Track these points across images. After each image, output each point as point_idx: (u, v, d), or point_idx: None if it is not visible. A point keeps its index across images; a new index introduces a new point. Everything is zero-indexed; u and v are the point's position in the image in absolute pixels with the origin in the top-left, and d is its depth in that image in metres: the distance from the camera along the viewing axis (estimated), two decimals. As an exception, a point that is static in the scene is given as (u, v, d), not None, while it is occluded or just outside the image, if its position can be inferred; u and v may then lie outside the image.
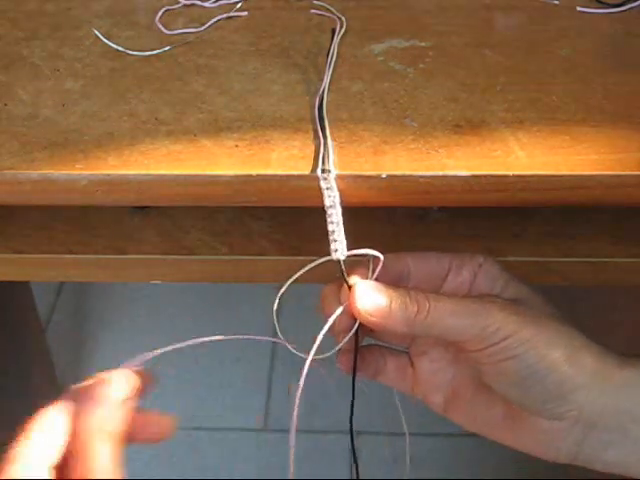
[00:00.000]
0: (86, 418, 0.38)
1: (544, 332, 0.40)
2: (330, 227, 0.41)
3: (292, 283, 0.43)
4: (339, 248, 0.41)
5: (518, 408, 0.43)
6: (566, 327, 0.42)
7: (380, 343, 0.47)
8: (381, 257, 0.41)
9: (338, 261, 0.41)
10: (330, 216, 0.41)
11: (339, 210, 0.41)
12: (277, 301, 0.43)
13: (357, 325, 0.42)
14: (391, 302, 0.40)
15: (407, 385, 0.47)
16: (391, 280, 0.43)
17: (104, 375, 0.39)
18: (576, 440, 0.42)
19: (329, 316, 0.42)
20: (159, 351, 0.41)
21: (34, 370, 1.18)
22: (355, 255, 0.41)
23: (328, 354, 0.43)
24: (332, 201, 0.41)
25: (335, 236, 0.41)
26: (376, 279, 0.42)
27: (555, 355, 0.40)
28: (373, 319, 0.40)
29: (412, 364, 0.47)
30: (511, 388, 0.42)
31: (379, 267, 0.42)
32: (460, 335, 0.41)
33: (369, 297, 0.41)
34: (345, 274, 0.42)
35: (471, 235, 0.51)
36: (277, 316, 0.44)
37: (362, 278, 0.42)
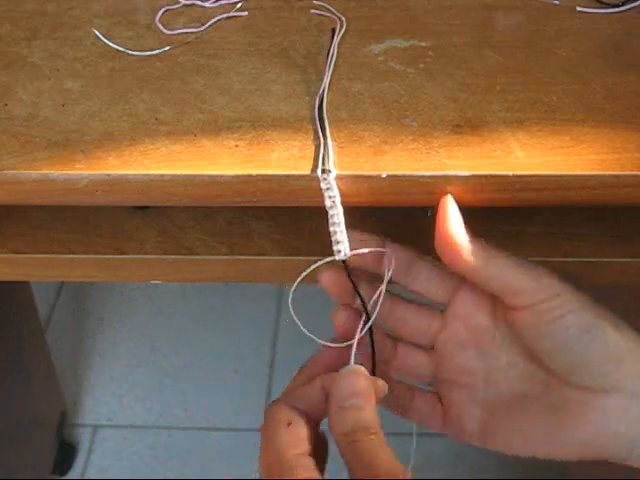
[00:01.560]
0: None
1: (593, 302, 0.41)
2: (332, 228, 0.41)
3: (291, 284, 0.43)
4: (342, 249, 0.41)
5: (565, 384, 0.41)
6: None
7: (406, 381, 0.47)
8: (385, 251, 0.42)
9: (343, 262, 0.41)
10: (332, 217, 0.41)
11: (340, 210, 0.41)
12: (291, 295, 0.42)
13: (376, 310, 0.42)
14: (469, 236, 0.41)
15: (438, 421, 0.46)
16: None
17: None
18: (636, 416, 0.40)
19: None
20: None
21: (34, 370, 1.18)
22: (359, 254, 0.41)
23: (342, 345, 0.43)
24: (332, 201, 0.41)
25: (337, 237, 0.41)
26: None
27: (606, 319, 0.40)
28: (456, 247, 0.41)
29: (440, 400, 0.46)
30: (561, 354, 0.41)
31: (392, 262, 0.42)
32: (519, 284, 0.41)
33: (458, 221, 0.41)
34: (350, 274, 0.42)
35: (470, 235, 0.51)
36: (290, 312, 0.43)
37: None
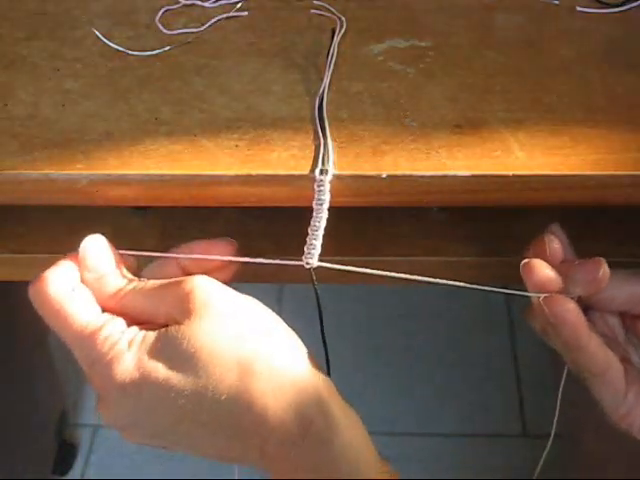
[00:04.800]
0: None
1: None
2: (310, 230, 0.41)
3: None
4: (313, 254, 0.41)
5: None
6: None
7: None
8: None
9: (309, 270, 0.41)
10: (314, 219, 0.41)
11: (324, 216, 0.41)
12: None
13: None
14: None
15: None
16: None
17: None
18: None
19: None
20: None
21: (35, 370, 1.18)
22: (327, 267, 0.41)
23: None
24: (320, 205, 0.40)
25: (313, 241, 0.40)
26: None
27: None
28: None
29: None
30: None
31: None
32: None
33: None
34: (315, 284, 0.41)
35: (471, 235, 0.51)
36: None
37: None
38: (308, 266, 0.40)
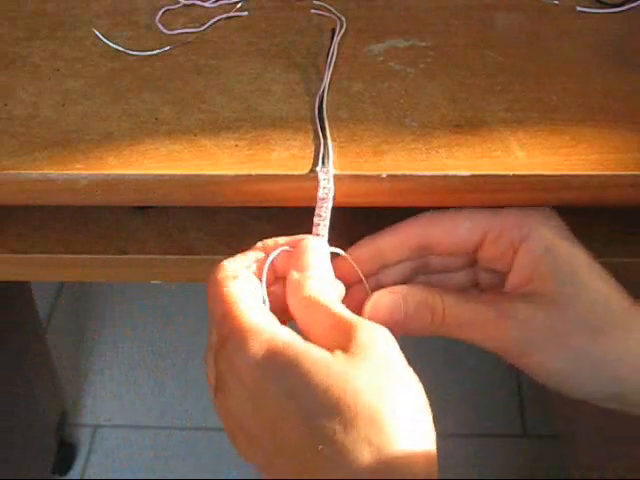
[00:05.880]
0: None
1: (574, 349, 0.39)
2: (316, 220, 0.40)
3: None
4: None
5: None
6: (613, 320, 0.40)
7: None
8: (342, 253, 0.41)
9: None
10: (319, 208, 0.40)
11: (330, 205, 0.40)
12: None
13: None
14: (404, 315, 0.40)
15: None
16: (407, 253, 0.42)
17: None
18: None
19: None
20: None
21: (34, 370, 1.18)
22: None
23: None
24: (325, 194, 0.40)
25: (319, 230, 0.40)
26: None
27: (588, 372, 0.39)
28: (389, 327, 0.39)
29: None
30: (549, 384, 0.41)
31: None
32: (479, 343, 0.40)
33: (381, 312, 0.40)
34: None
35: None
36: None
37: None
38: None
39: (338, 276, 0.40)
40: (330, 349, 0.34)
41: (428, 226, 0.42)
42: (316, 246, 0.39)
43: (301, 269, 0.38)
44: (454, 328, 0.40)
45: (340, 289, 0.40)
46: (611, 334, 0.40)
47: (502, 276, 0.42)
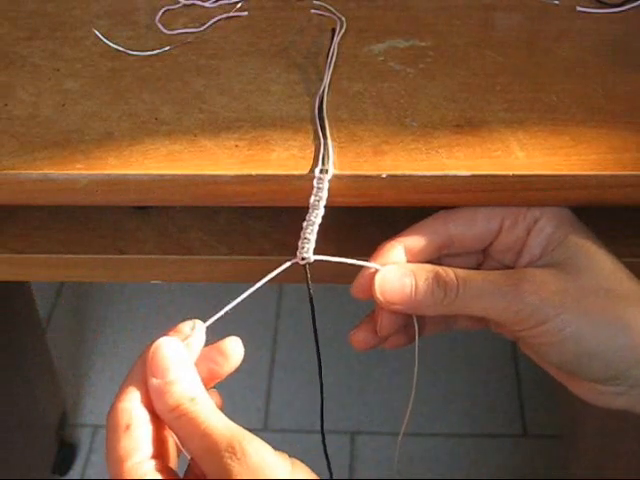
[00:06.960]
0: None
1: (590, 311, 0.39)
2: (305, 224, 0.40)
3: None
4: (309, 248, 0.40)
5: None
6: (623, 290, 0.40)
7: None
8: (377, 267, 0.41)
9: (303, 266, 0.40)
10: (310, 214, 0.40)
11: (321, 213, 0.40)
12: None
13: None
14: (415, 288, 0.40)
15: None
16: (431, 252, 0.42)
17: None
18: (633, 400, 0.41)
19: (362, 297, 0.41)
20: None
21: (34, 370, 1.18)
22: (322, 260, 0.40)
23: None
24: (317, 201, 0.40)
25: (308, 235, 0.40)
26: (408, 260, 0.41)
27: (605, 335, 0.39)
28: (397, 307, 0.40)
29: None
30: (561, 366, 0.41)
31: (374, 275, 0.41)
32: (494, 316, 0.40)
33: (391, 284, 0.40)
34: (309, 279, 0.40)
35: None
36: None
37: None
38: (303, 262, 0.40)
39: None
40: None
41: (449, 222, 0.42)
42: (169, 349, 0.39)
43: (160, 376, 0.38)
44: (469, 300, 0.40)
45: (200, 382, 0.39)
46: (625, 299, 0.40)
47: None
